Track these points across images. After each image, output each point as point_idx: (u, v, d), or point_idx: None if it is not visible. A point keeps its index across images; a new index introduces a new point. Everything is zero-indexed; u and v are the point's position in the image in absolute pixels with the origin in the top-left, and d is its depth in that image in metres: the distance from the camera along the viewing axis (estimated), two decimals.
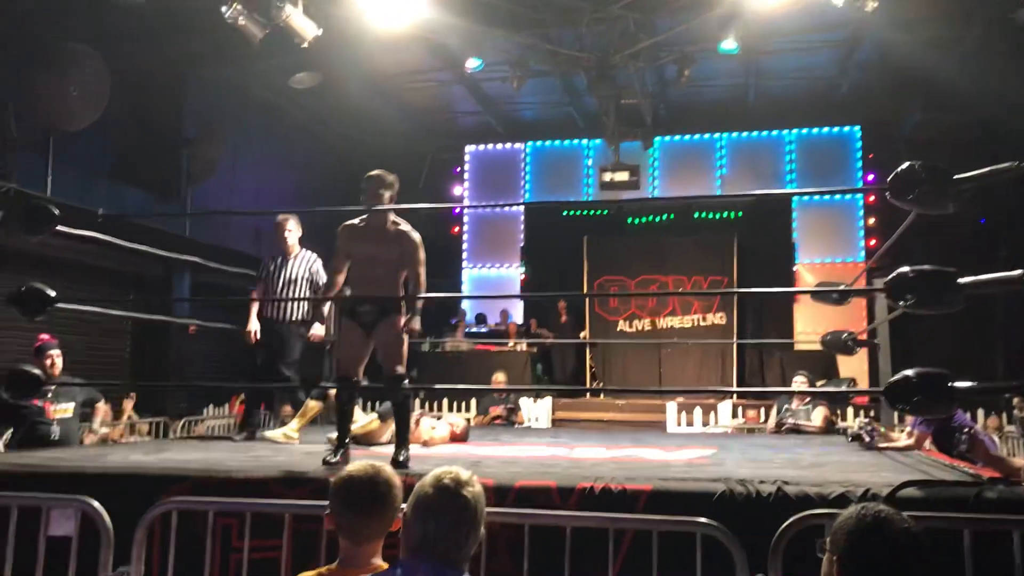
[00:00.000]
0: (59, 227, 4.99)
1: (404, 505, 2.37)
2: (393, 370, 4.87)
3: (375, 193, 4.98)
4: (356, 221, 5.09)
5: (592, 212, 15.81)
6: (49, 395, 6.19)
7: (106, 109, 9.48)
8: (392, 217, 5.06)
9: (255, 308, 6.73)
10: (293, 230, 6.79)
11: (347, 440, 4.92)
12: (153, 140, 11.47)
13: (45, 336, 6.67)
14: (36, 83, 9.08)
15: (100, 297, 11.13)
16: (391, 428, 5.60)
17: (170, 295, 12.14)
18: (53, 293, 4.86)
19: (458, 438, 6.66)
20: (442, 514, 2.25)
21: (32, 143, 9.35)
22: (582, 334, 14.40)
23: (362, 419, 6.15)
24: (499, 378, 10.47)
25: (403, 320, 4.91)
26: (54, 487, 3.85)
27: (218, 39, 10.01)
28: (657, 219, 15.50)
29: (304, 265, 6.74)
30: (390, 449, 5.07)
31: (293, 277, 6.67)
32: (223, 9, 8.73)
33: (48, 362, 6.36)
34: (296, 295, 6.54)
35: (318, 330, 6.29)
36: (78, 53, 9.29)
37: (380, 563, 2.48)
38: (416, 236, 5.02)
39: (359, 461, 2.66)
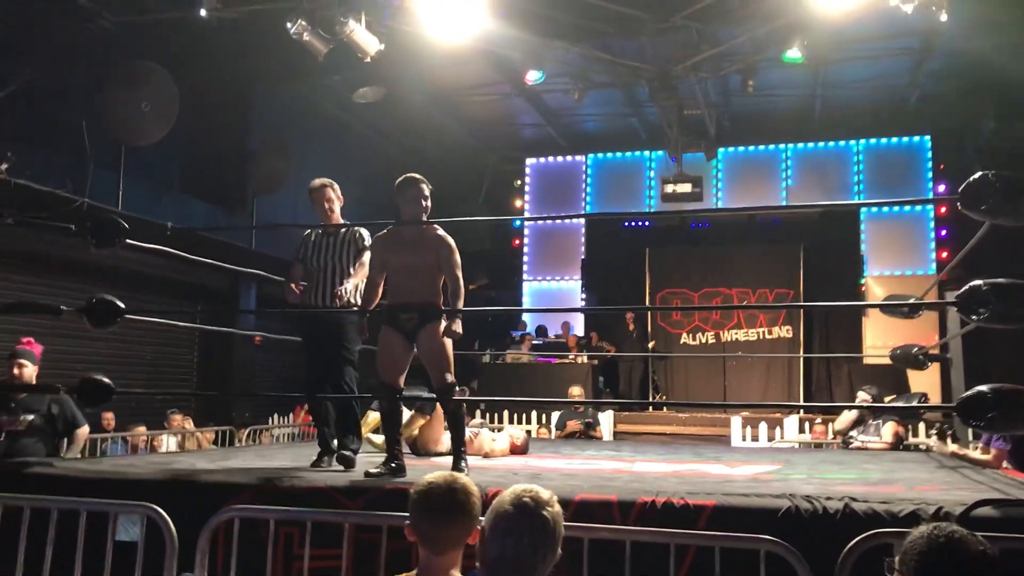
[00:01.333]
0: (128, 240, 5.11)
1: (482, 519, 2.35)
2: (442, 378, 4.79)
3: (417, 198, 4.93)
4: (387, 231, 5.04)
5: (654, 224, 15.70)
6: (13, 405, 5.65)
7: (175, 124, 9.71)
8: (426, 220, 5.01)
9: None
10: (335, 199, 5.77)
11: (397, 450, 4.84)
12: (220, 154, 11.74)
13: (27, 340, 6.17)
14: (109, 100, 9.35)
15: (169, 308, 11.41)
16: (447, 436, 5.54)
17: (236, 306, 12.36)
18: (122, 305, 4.97)
19: (518, 450, 6.64)
20: (521, 534, 2.22)
21: (104, 158, 9.62)
22: (650, 345, 14.29)
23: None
24: (575, 392, 10.42)
25: (445, 322, 4.82)
26: (122, 493, 3.94)
27: (283, 55, 10.21)
28: (720, 227, 15.34)
29: (349, 241, 5.62)
30: (447, 460, 5.05)
31: (339, 255, 5.56)
32: (288, 26, 8.90)
33: (16, 370, 5.80)
34: (343, 274, 5.48)
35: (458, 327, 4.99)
36: (149, 71, 9.55)
37: (458, 575, 2.48)
38: (450, 240, 4.92)
39: (437, 472, 2.64)
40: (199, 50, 10.23)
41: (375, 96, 12.28)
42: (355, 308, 5.33)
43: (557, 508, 2.28)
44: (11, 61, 8.52)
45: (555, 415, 10.96)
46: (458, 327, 4.79)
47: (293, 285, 5.47)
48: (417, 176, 5.02)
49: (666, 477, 4.94)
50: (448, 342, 4.81)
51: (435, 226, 4.96)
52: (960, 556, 1.90)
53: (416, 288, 4.86)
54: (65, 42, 9.18)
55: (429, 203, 4.99)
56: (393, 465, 4.70)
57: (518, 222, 16.49)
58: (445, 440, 5.91)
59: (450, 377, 4.80)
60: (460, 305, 4.84)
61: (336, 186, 5.81)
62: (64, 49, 9.19)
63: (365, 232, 5.60)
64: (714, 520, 3.57)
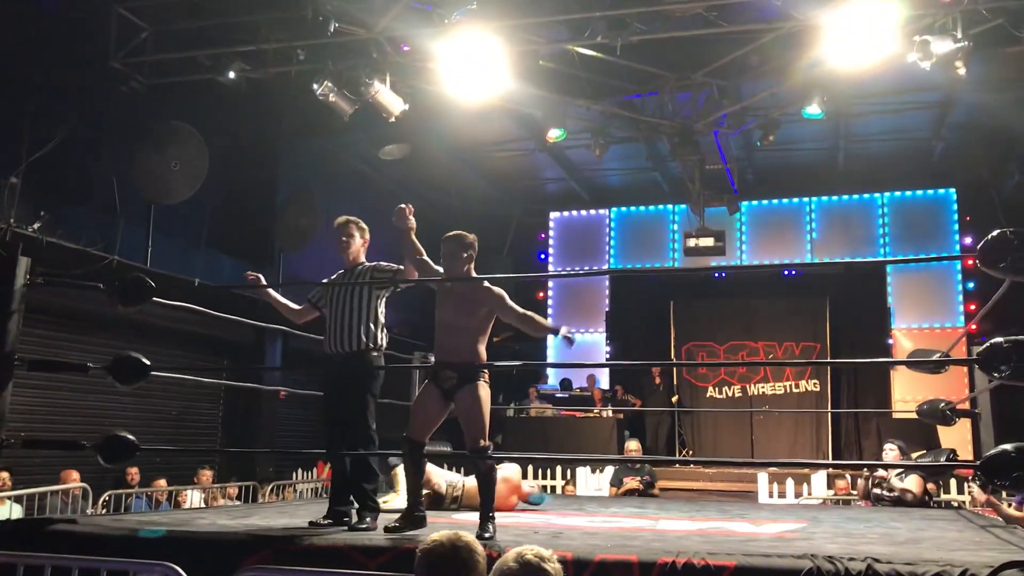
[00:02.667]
0: (156, 298, 5.19)
1: None
2: (476, 443, 4.74)
3: (454, 254, 4.95)
4: (440, 285, 5.02)
5: (679, 276, 15.68)
6: None
7: (203, 181, 9.90)
8: (473, 274, 5.02)
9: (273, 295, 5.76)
10: (355, 234, 5.47)
11: (419, 505, 4.81)
12: (247, 210, 11.92)
13: None
14: (139, 160, 9.58)
15: (195, 362, 11.52)
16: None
17: (262, 361, 12.44)
18: (148, 362, 5.03)
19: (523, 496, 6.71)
20: None
21: (135, 216, 9.82)
22: (673, 399, 14.20)
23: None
24: (632, 447, 10.30)
25: (487, 387, 4.82)
26: (146, 551, 3.96)
27: (309, 114, 10.44)
28: (745, 280, 15.31)
29: (364, 275, 5.37)
30: (474, 517, 5.01)
31: (355, 296, 5.29)
32: (314, 87, 9.11)
33: None
34: (361, 316, 5.25)
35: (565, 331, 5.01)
36: (178, 131, 9.78)
37: None
38: (497, 288, 4.94)
39: (442, 531, 2.65)
40: (227, 110, 10.47)
41: (401, 153, 12.47)
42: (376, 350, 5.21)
43: (558, 565, 2.32)
44: (46, 122, 8.76)
45: (608, 471, 10.83)
46: (566, 331, 4.94)
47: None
48: (454, 233, 5.03)
49: (689, 535, 4.89)
50: (486, 406, 4.78)
51: (482, 280, 4.98)
52: None
53: (458, 346, 4.85)
54: (98, 104, 9.43)
55: (469, 256, 4.98)
56: (415, 515, 4.68)
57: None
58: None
59: (483, 442, 4.75)
60: (540, 321, 4.99)
61: (361, 224, 5.51)
62: (97, 110, 9.45)
63: (386, 264, 5.41)
64: None
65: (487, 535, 4.42)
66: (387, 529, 4.52)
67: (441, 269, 5.05)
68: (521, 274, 16.87)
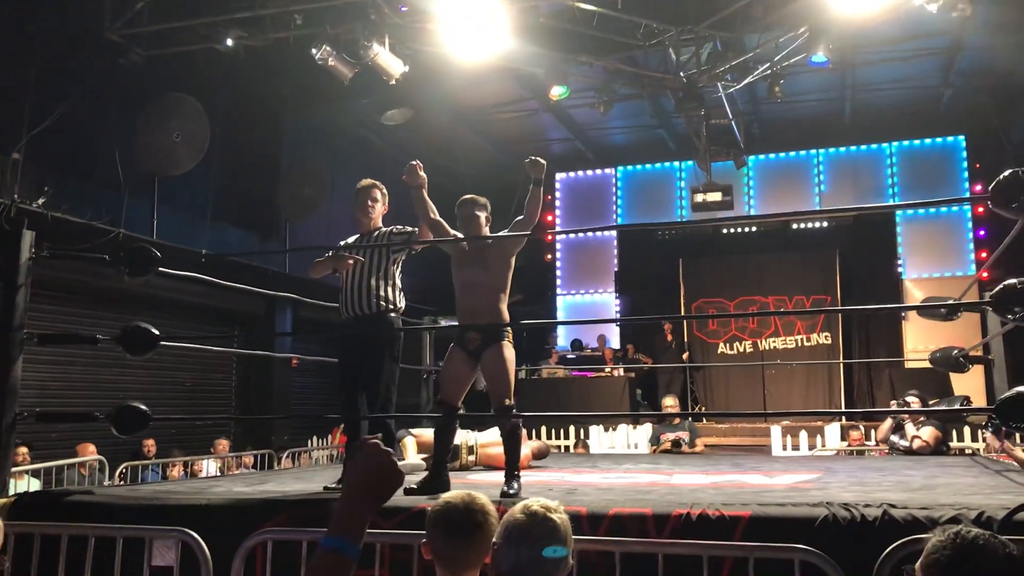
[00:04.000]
0: (162, 268, 5.17)
1: (495, 536, 2.35)
2: (502, 402, 4.78)
3: (471, 215, 4.98)
4: (459, 244, 5.03)
5: (687, 233, 15.62)
6: None
7: (207, 152, 9.86)
8: (486, 233, 5.05)
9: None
10: (380, 199, 5.37)
11: (444, 467, 4.85)
12: (252, 180, 11.89)
13: None
14: (141, 132, 9.53)
15: (207, 333, 11.55)
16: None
17: (272, 330, 12.48)
18: (157, 332, 5.03)
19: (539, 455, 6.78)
20: (535, 540, 2.24)
21: (139, 189, 9.79)
22: (684, 355, 14.20)
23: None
24: (668, 403, 10.32)
25: (511, 346, 4.85)
26: (159, 519, 3.98)
27: (310, 80, 10.35)
28: (754, 234, 15.23)
29: (382, 238, 5.29)
30: (492, 477, 5.02)
31: (373, 260, 5.22)
32: (313, 52, 9.02)
33: None
34: (384, 279, 5.21)
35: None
36: (179, 102, 9.72)
37: None
38: (502, 233, 5.03)
39: (455, 490, 2.65)
40: (227, 79, 10.40)
41: (403, 118, 12.38)
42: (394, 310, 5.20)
43: (565, 516, 2.32)
44: (46, 97, 8.71)
45: (645, 429, 10.84)
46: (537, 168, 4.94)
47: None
48: (469, 196, 5.07)
49: (704, 489, 4.88)
50: (511, 366, 4.81)
51: (487, 239, 5.02)
52: (985, 560, 1.84)
53: (481, 307, 4.88)
54: (97, 77, 9.37)
55: (485, 218, 5.02)
56: (441, 478, 4.70)
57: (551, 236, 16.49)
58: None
59: (509, 401, 4.79)
60: (536, 189, 4.93)
61: (383, 188, 5.43)
62: (97, 84, 9.39)
63: (401, 227, 5.33)
64: (750, 531, 3.52)
65: (512, 492, 4.46)
66: (407, 492, 4.52)
67: (452, 230, 5.07)
68: (527, 233, 16.82)
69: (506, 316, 4.94)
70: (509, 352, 4.85)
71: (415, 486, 4.58)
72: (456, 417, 5.00)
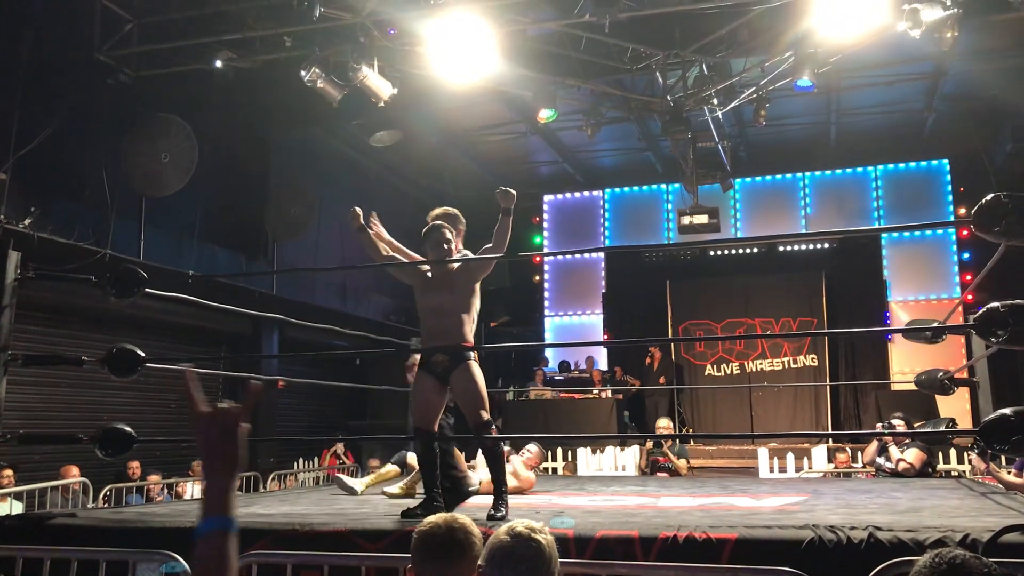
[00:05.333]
0: (149, 289, 5.15)
1: (480, 559, 2.35)
2: (478, 417, 4.71)
3: (439, 243, 4.91)
4: (424, 269, 4.99)
5: (675, 256, 15.68)
6: None
7: (194, 173, 9.85)
8: (454, 252, 5.01)
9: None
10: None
11: (436, 491, 4.81)
12: (239, 201, 11.88)
13: None
14: (129, 153, 9.52)
15: (193, 355, 11.48)
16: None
17: (259, 351, 12.43)
18: (142, 354, 5.00)
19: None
20: (518, 561, 2.24)
21: (126, 209, 9.77)
22: (660, 379, 14.19)
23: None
24: (661, 424, 10.30)
25: (476, 364, 4.81)
26: (143, 542, 3.95)
27: (299, 102, 10.38)
28: (741, 257, 15.29)
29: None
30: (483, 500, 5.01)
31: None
32: (302, 73, 9.05)
33: None
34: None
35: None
36: (168, 123, 9.72)
37: None
38: (467, 253, 5.07)
39: (438, 513, 2.65)
40: (216, 100, 10.41)
41: (392, 140, 12.43)
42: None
43: (551, 537, 2.32)
44: (33, 117, 8.70)
45: (633, 451, 10.78)
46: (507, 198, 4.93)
47: None
48: (438, 222, 5.00)
49: (691, 511, 4.89)
50: (481, 382, 4.78)
51: (463, 253, 5.04)
52: None
53: (446, 328, 4.84)
54: (86, 97, 9.37)
55: (455, 241, 5.01)
56: (434, 505, 4.63)
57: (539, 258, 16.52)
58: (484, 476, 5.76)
59: (485, 415, 4.74)
60: (505, 220, 4.96)
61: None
62: (85, 104, 9.38)
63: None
64: (737, 553, 3.52)
65: (499, 514, 4.44)
66: (404, 514, 4.51)
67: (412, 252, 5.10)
68: (517, 255, 16.87)
69: (471, 339, 4.89)
70: (477, 369, 4.81)
71: (416, 510, 4.56)
72: (435, 441, 4.92)
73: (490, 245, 4.97)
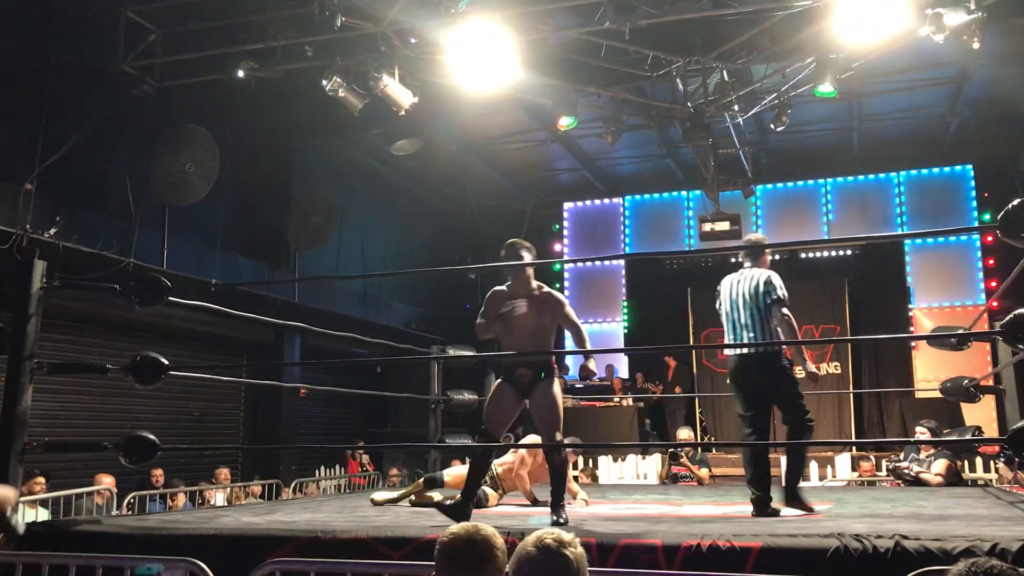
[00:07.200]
0: (172, 298, 5.19)
1: (507, 567, 2.35)
2: (552, 435, 4.98)
3: (518, 259, 5.12)
4: (504, 287, 5.22)
5: (696, 263, 15.61)
6: None
7: (217, 182, 9.92)
8: (534, 282, 5.22)
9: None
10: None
11: (474, 495, 5.08)
12: (262, 210, 11.94)
13: None
14: (154, 164, 9.60)
15: (216, 362, 11.56)
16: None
17: (281, 359, 12.48)
18: (166, 362, 5.04)
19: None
20: (544, 575, 2.22)
21: (149, 219, 9.85)
22: (675, 388, 14.12)
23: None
24: (682, 435, 10.24)
25: (559, 382, 5.10)
26: (168, 548, 3.97)
27: (320, 111, 10.43)
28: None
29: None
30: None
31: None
32: (323, 83, 9.10)
33: None
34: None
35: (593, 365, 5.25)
36: (191, 133, 9.79)
37: None
38: (559, 295, 5.27)
39: (463, 523, 2.64)
40: (238, 109, 10.49)
41: (412, 148, 12.46)
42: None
43: (580, 550, 2.29)
44: (59, 127, 8.79)
45: (655, 460, 10.73)
46: (593, 365, 5.16)
47: None
48: (517, 242, 5.23)
49: (714, 519, 4.87)
50: (559, 400, 5.04)
51: (543, 285, 5.25)
52: None
53: (531, 346, 5.06)
54: (110, 107, 9.46)
55: (531, 258, 5.21)
56: (469, 506, 4.91)
57: (558, 266, 16.50)
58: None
59: (559, 435, 5.01)
60: (588, 346, 5.20)
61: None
62: (109, 114, 9.47)
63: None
64: (762, 562, 3.50)
65: (561, 520, 4.73)
66: (439, 507, 4.92)
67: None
68: (537, 261, 16.87)
69: (555, 357, 5.18)
70: (558, 389, 5.08)
71: (452, 501, 4.93)
72: (494, 448, 5.27)
73: (570, 323, 5.24)
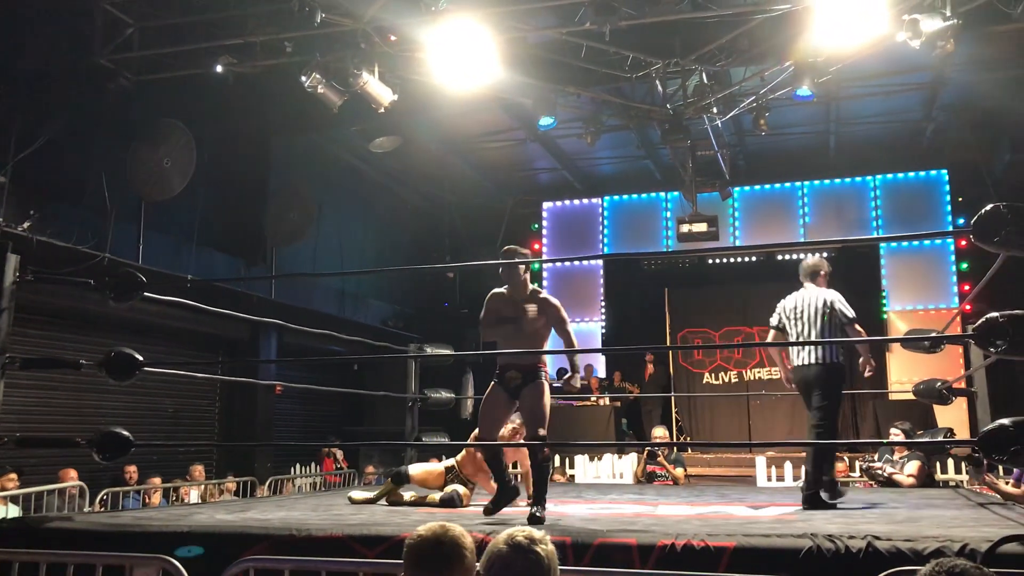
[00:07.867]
0: (147, 293, 5.15)
1: (479, 565, 2.35)
2: (536, 432, 5.13)
3: (513, 268, 5.27)
4: (503, 290, 5.36)
5: (673, 264, 15.68)
6: None
7: (194, 178, 9.85)
8: (531, 286, 5.38)
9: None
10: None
11: (508, 479, 5.32)
12: (239, 206, 11.88)
13: None
14: (131, 158, 9.52)
15: (192, 359, 11.48)
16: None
17: (257, 356, 12.42)
18: (140, 357, 5.00)
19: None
20: (516, 572, 2.22)
21: (125, 213, 9.77)
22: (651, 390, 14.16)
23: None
24: (657, 433, 10.26)
25: (547, 385, 5.22)
26: (141, 546, 3.94)
27: (299, 107, 10.38)
28: (739, 265, 15.28)
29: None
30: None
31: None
32: (302, 79, 9.05)
33: None
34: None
35: (576, 381, 5.52)
36: (169, 127, 9.72)
37: None
38: (556, 300, 5.36)
39: (432, 522, 2.64)
40: (216, 104, 10.42)
41: (391, 145, 12.42)
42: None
43: (551, 547, 2.30)
44: (34, 120, 8.70)
45: (631, 459, 10.81)
46: (577, 381, 5.44)
47: None
48: (512, 247, 5.38)
49: (689, 519, 4.89)
50: (548, 401, 5.18)
51: (539, 290, 5.40)
52: None
53: (522, 346, 5.17)
54: (86, 101, 9.37)
55: (526, 267, 5.36)
56: (511, 487, 5.30)
57: (537, 265, 16.51)
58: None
59: (543, 431, 5.13)
60: (576, 360, 5.39)
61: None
62: (85, 108, 9.38)
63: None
64: (735, 562, 3.53)
65: (539, 514, 4.84)
66: (486, 511, 5.16)
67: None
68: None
69: (545, 360, 5.31)
70: (547, 389, 5.21)
71: (491, 506, 5.21)
72: (497, 448, 5.40)
73: (563, 330, 5.36)
